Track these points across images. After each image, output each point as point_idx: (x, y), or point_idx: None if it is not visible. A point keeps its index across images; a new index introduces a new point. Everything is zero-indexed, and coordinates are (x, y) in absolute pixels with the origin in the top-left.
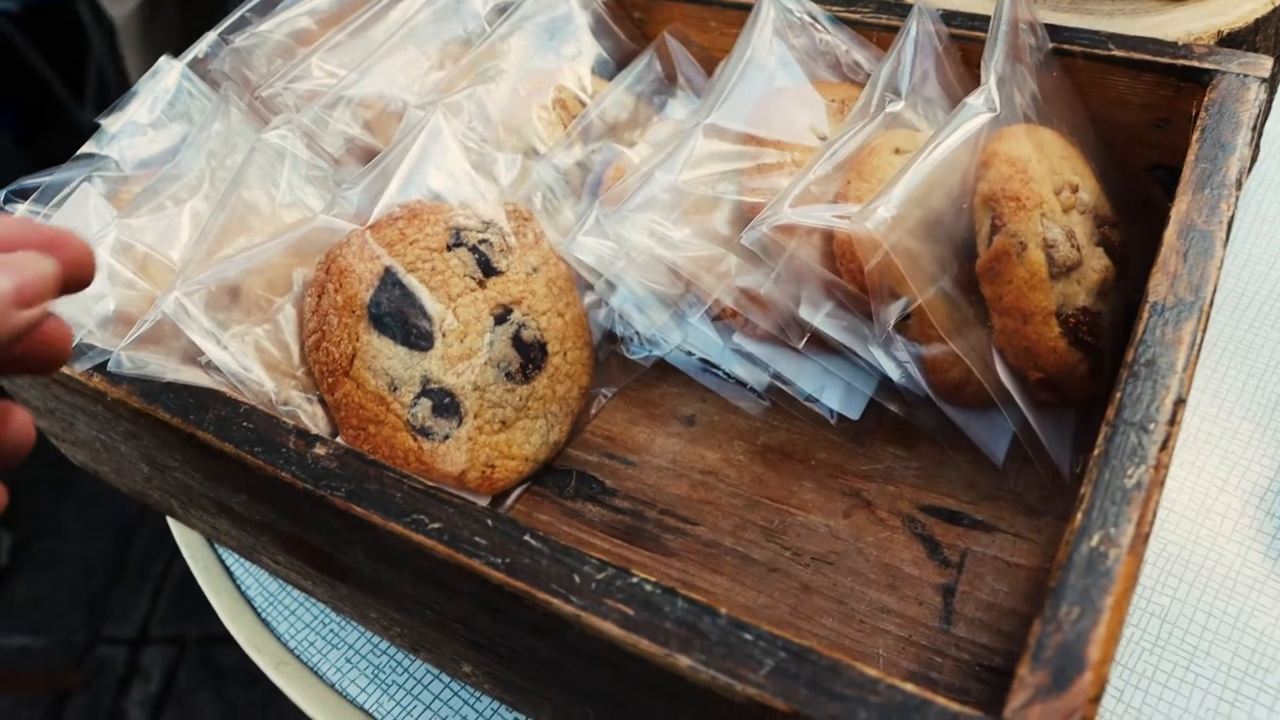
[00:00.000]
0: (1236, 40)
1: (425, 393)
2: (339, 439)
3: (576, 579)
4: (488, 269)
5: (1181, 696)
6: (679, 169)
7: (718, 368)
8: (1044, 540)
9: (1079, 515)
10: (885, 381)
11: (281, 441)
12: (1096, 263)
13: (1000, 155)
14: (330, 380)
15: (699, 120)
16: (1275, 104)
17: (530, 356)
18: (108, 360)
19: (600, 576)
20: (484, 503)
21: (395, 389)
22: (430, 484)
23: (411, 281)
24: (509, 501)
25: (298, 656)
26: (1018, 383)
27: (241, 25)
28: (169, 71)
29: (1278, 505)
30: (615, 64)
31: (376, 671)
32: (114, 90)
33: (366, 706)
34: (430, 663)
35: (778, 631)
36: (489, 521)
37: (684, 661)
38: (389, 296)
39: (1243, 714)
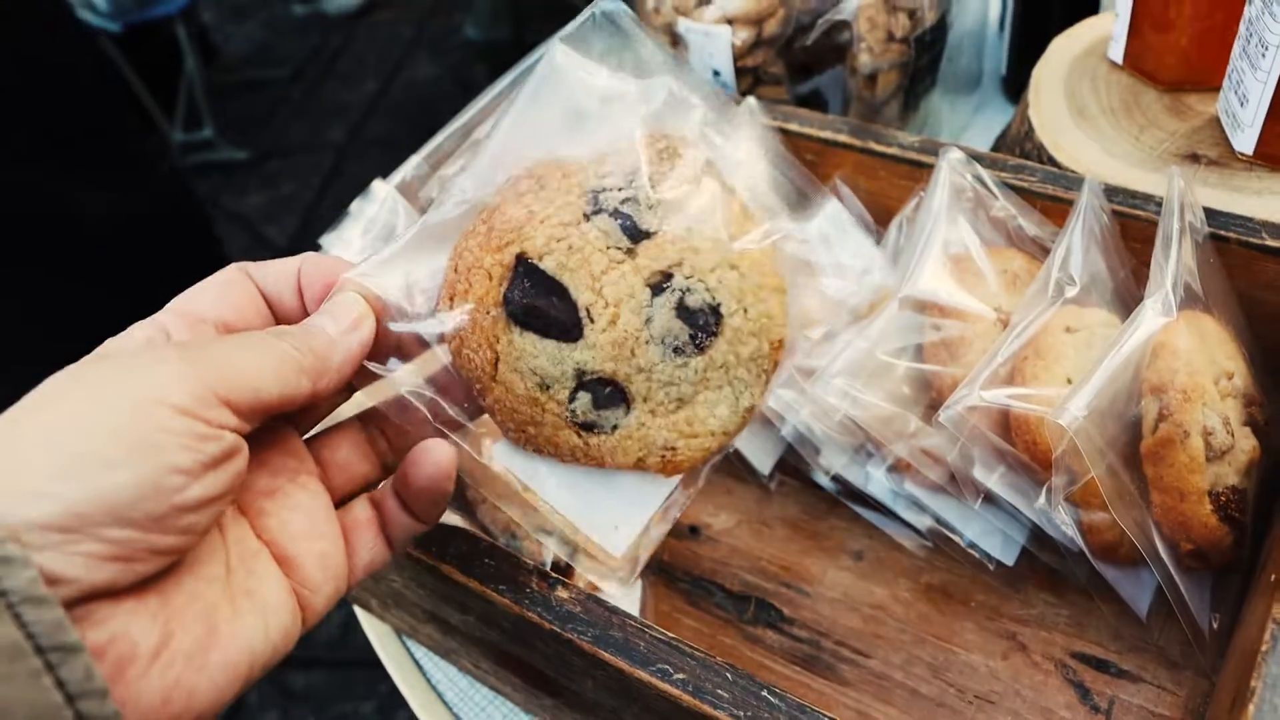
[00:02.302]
0: None
1: (582, 386)
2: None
3: None
4: (635, 234)
5: None
6: (876, 338)
7: (882, 506)
8: (1185, 693)
9: (1250, 709)
10: (1036, 531)
11: (525, 582)
12: (1245, 443)
13: (1168, 347)
14: (478, 387)
15: (895, 293)
16: None
17: (700, 324)
18: None
19: None
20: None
21: (548, 388)
22: (671, 635)
23: (548, 266)
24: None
25: None
26: (1170, 550)
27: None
28: (380, 194)
29: None
30: None
31: None
32: (202, 108)
33: None
34: None
35: None
36: (729, 675)
37: None
38: (524, 288)
39: None
